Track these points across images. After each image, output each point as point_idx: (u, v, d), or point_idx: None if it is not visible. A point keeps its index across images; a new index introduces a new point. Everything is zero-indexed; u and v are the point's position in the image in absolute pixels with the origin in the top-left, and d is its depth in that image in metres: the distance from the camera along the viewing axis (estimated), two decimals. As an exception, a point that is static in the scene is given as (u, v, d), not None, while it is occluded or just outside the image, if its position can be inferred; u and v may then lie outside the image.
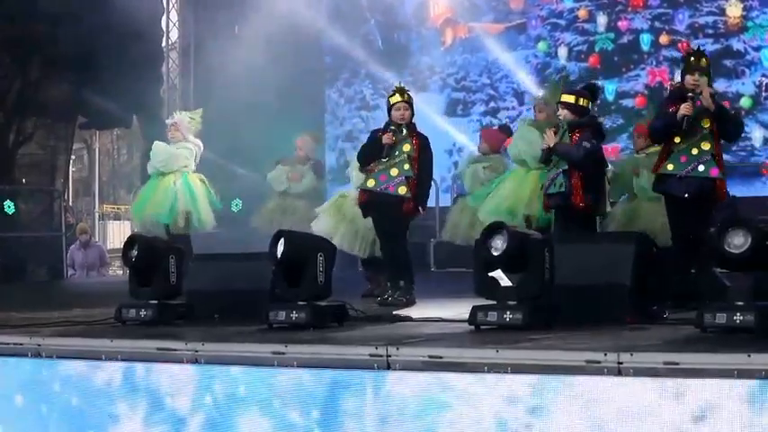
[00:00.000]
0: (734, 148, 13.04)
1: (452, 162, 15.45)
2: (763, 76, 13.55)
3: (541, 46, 15.32)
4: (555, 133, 7.73)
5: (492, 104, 15.67)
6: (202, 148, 10.37)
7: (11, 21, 15.05)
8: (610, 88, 14.58)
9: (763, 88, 13.51)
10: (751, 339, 5.05)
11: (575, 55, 14.98)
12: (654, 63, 14.33)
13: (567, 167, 7.61)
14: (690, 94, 7.17)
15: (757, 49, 13.62)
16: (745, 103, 13.57)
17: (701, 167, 7.12)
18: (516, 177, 8.84)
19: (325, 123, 16.91)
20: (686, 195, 7.20)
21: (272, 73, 14.98)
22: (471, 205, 9.37)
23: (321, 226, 9.10)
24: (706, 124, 7.14)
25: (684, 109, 7.11)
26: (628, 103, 14.50)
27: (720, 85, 13.35)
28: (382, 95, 16.26)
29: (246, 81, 15.20)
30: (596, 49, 14.81)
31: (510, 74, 15.42)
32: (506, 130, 10.44)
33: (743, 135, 13.11)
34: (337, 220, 9.12)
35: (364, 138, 15.77)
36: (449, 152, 15.63)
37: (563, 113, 7.77)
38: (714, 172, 7.10)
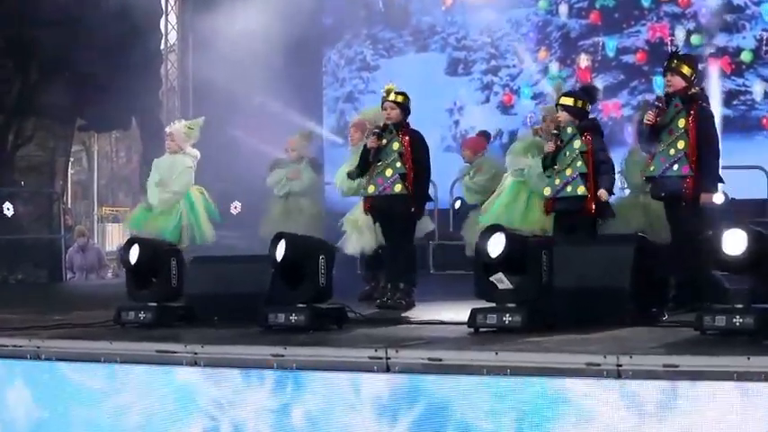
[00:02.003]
0: (735, 102, 13.29)
1: (453, 121, 15.60)
2: (764, 30, 13.59)
3: (542, 4, 15.31)
4: (557, 136, 7.69)
5: (493, 63, 15.67)
6: (199, 157, 10.34)
7: (10, 23, 15.05)
8: (610, 44, 14.62)
9: (764, 42, 13.55)
10: (750, 342, 5.06)
11: (575, 12, 14.98)
12: (654, 19, 14.32)
13: (584, 171, 7.59)
14: (655, 101, 7.33)
15: (758, 3, 13.66)
16: (745, 57, 13.64)
17: (675, 166, 7.18)
18: (511, 193, 8.72)
19: (325, 85, 16.87)
20: (662, 195, 7.29)
21: (271, 48, 14.92)
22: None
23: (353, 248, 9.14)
24: (681, 124, 7.19)
25: (648, 116, 7.25)
26: (628, 59, 14.52)
27: (721, 40, 13.55)
28: (383, 56, 16.35)
29: (245, 71, 15.18)
30: (597, 6, 14.82)
31: (510, 32, 15.39)
32: (485, 135, 10.53)
33: (744, 89, 13.24)
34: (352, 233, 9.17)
35: (364, 99, 15.93)
36: (449, 111, 15.72)
37: (562, 116, 7.76)
38: (685, 170, 7.14)
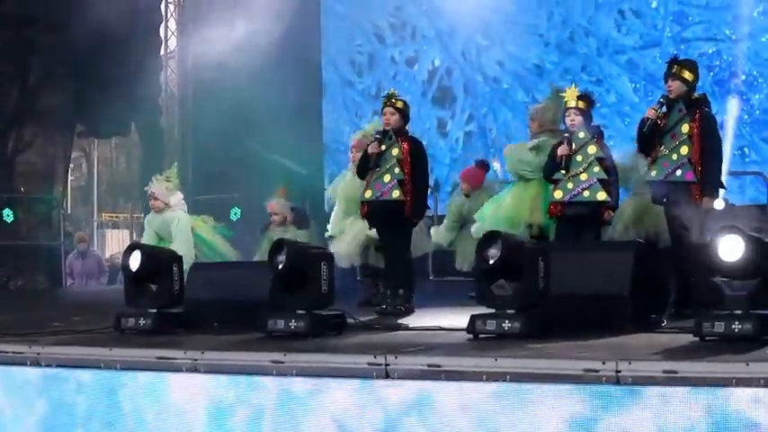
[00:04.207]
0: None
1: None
2: None
3: None
4: (569, 142, 7.64)
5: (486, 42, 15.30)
6: (185, 206, 10.34)
7: (9, 28, 15.07)
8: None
9: None
10: (749, 348, 5.07)
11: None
12: None
13: (604, 176, 7.55)
14: (660, 98, 7.31)
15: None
16: None
17: (679, 172, 7.17)
18: (516, 189, 8.66)
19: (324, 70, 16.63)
20: (665, 200, 7.28)
21: (271, 48, 14.88)
22: (475, 236, 9.14)
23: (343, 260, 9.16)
24: (685, 129, 7.19)
25: (648, 113, 7.23)
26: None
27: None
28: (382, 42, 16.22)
29: (246, 75, 15.18)
30: None
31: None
32: (483, 166, 10.22)
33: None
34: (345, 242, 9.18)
35: (374, 63, 15.75)
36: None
37: (576, 120, 7.70)
38: (689, 176, 7.14)
